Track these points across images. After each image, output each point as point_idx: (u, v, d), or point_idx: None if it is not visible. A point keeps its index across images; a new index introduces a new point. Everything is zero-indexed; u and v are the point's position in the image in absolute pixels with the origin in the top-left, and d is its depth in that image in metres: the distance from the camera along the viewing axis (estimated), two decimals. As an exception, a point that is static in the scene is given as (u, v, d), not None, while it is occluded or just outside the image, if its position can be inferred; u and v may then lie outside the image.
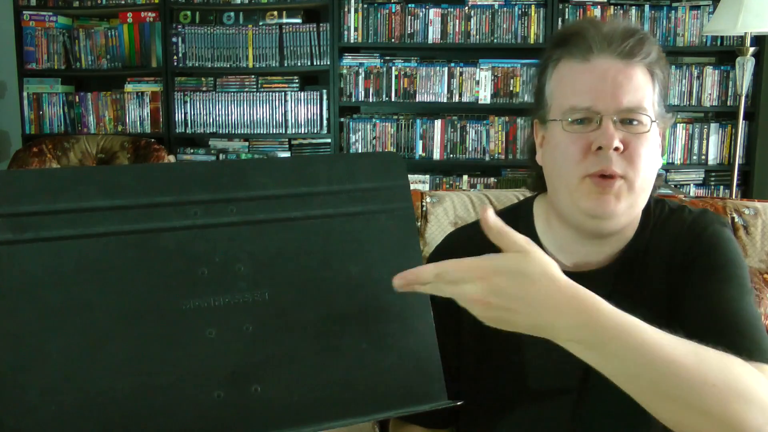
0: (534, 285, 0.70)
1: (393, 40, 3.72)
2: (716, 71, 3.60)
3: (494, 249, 1.02)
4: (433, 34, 3.70)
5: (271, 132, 3.87)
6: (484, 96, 3.70)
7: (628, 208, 0.94)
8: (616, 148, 0.91)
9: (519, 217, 1.07)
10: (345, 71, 3.77)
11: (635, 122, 0.93)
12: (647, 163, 0.93)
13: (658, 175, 1.00)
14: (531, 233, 1.04)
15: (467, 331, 1.00)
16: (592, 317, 0.71)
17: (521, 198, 1.54)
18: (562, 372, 0.96)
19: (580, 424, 0.97)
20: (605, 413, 0.95)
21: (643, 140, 0.93)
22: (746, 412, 0.72)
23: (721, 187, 3.63)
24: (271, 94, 3.85)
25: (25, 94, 3.94)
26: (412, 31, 3.72)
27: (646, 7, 3.58)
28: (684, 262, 0.97)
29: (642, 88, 0.94)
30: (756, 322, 0.88)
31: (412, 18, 3.70)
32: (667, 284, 0.97)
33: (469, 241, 1.06)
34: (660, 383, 0.72)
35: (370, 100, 3.78)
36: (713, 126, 3.64)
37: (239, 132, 3.89)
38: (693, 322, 0.89)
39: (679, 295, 0.95)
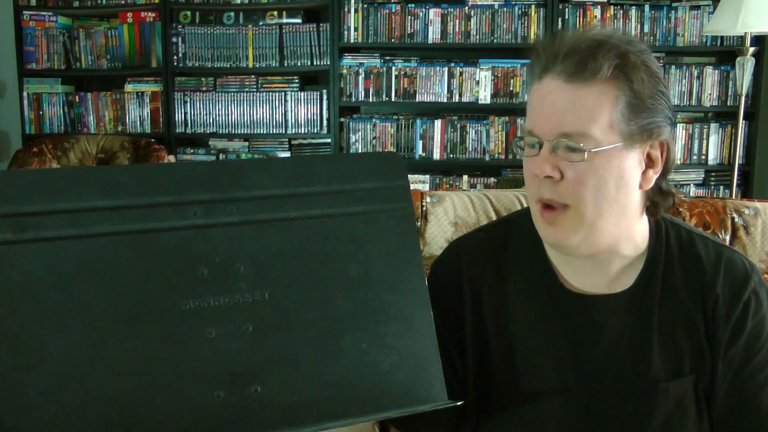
0: None
1: (393, 40, 3.72)
2: (716, 71, 3.60)
3: (505, 254, 1.00)
4: (433, 34, 3.70)
5: (271, 132, 3.87)
6: (484, 96, 3.70)
7: (584, 239, 0.87)
8: (551, 176, 0.85)
9: (519, 229, 1.00)
10: (345, 71, 3.77)
11: (575, 150, 0.84)
12: (595, 191, 0.85)
13: (669, 195, 0.95)
14: (539, 250, 0.98)
15: (469, 334, 0.98)
16: None
17: (521, 197, 1.53)
18: (557, 373, 0.95)
19: (583, 425, 0.95)
20: (605, 416, 0.94)
21: (587, 167, 0.84)
22: None
23: (721, 187, 3.63)
24: (271, 94, 3.85)
25: (25, 94, 3.94)
26: (412, 31, 3.71)
27: (646, 7, 3.58)
28: (717, 315, 0.92)
29: (590, 110, 0.84)
30: None
31: (412, 18, 3.70)
32: (691, 323, 0.93)
33: (478, 248, 1.03)
34: None
35: (370, 100, 3.78)
36: (713, 126, 3.64)
37: (239, 132, 3.89)
38: (726, 409, 0.91)
39: (712, 351, 0.92)
